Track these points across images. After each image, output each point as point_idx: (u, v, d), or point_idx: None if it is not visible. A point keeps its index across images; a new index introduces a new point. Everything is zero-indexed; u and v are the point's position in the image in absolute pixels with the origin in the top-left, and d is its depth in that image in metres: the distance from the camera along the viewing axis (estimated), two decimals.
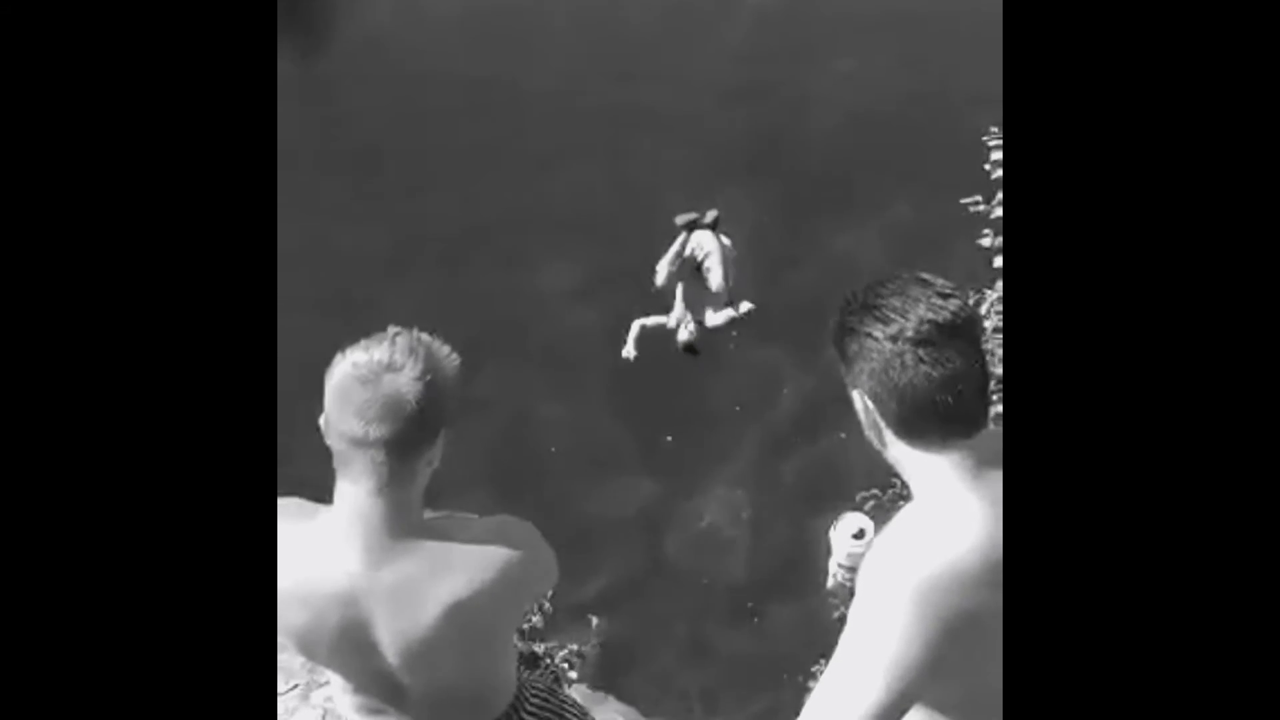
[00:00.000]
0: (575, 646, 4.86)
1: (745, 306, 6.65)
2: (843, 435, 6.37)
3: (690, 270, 6.73)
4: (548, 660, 4.51)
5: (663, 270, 6.65)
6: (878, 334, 1.69)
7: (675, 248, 6.65)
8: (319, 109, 8.16)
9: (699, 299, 6.79)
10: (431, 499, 1.96)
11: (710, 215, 6.73)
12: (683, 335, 6.78)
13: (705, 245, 6.67)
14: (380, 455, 1.78)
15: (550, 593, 4.51)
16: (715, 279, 6.62)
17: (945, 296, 1.69)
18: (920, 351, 1.66)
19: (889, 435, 1.75)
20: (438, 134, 8.35)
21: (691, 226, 6.67)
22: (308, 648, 1.96)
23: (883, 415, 1.73)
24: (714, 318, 6.71)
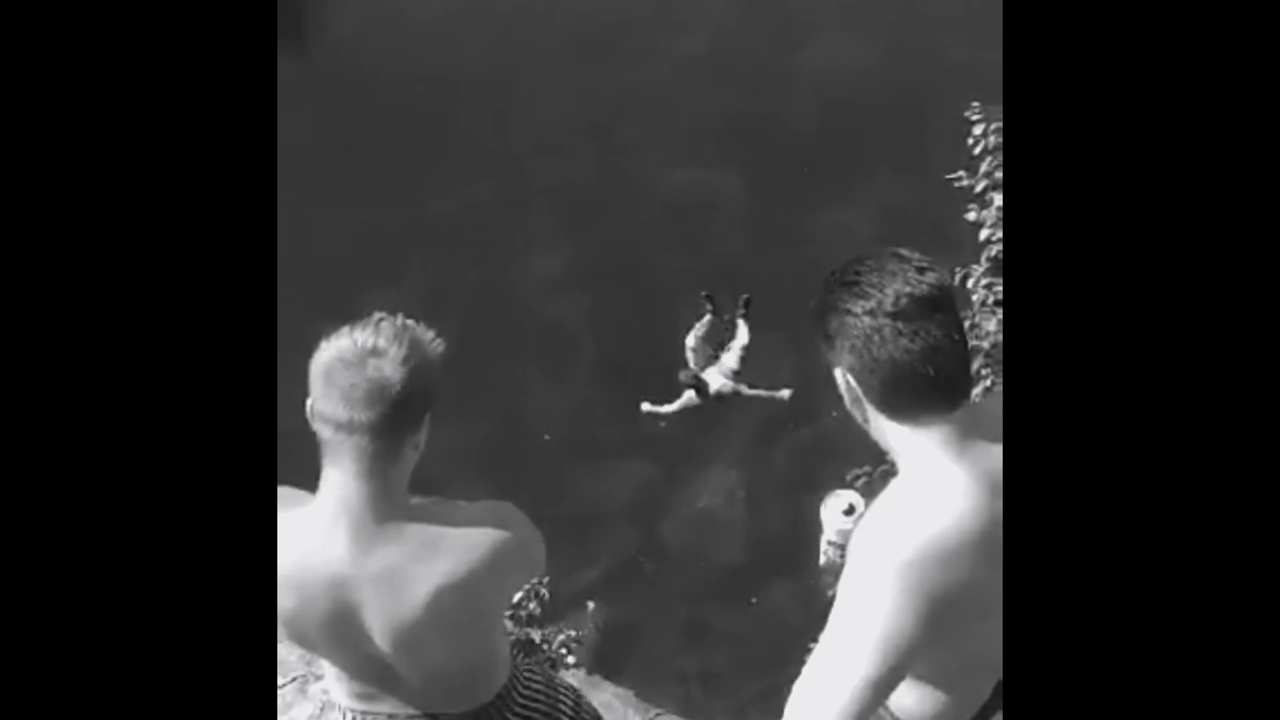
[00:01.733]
0: (573, 632, 4.88)
1: (786, 393, 6.97)
2: (835, 415, 6.36)
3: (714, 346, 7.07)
4: (545, 646, 4.53)
5: (690, 344, 6.96)
6: (856, 309, 1.69)
7: (704, 323, 7.00)
8: (301, 105, 8.13)
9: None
10: (426, 489, 1.97)
11: (742, 299, 7.07)
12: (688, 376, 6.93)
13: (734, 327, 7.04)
14: (365, 440, 1.79)
15: (546, 579, 4.55)
16: (733, 357, 6.94)
17: (922, 270, 1.70)
18: (899, 325, 1.67)
19: (872, 411, 1.76)
20: (421, 125, 8.33)
21: (713, 303, 6.88)
22: (298, 634, 1.97)
23: (865, 391, 1.73)
24: (724, 384, 6.91)
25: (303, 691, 3.62)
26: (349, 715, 2.12)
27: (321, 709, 3.53)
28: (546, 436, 7.12)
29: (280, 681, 3.61)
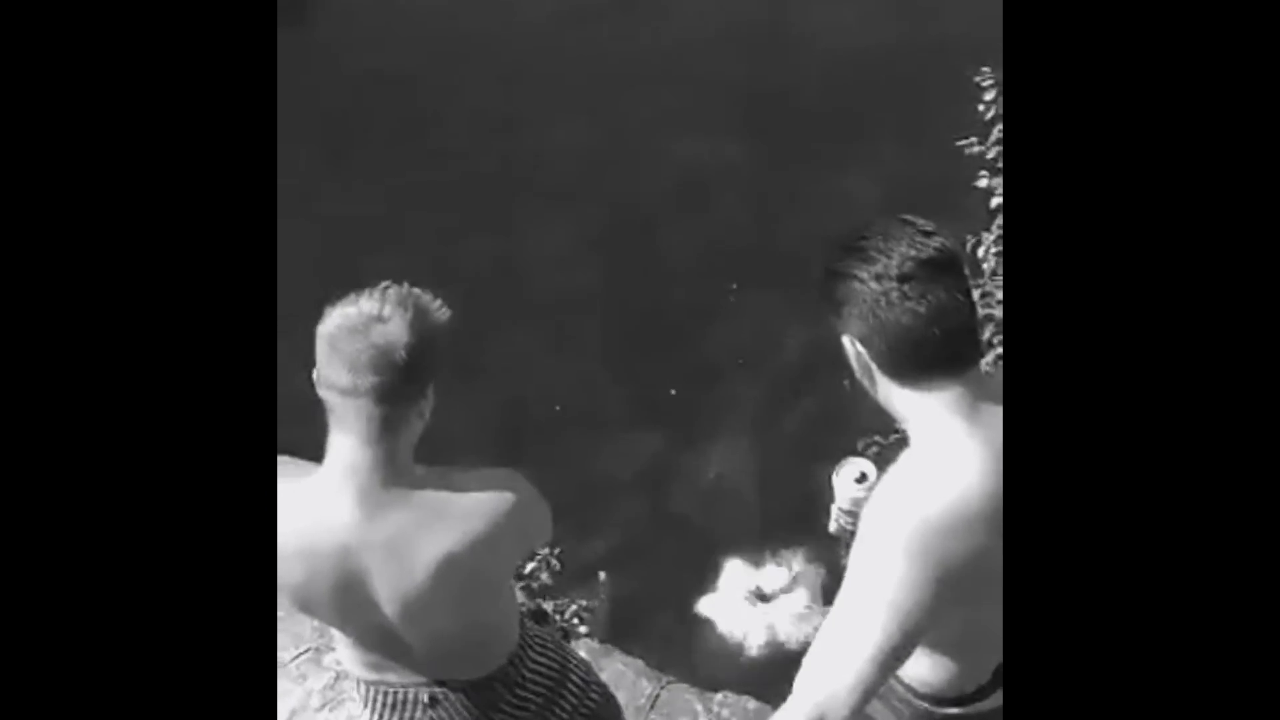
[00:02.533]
0: (584, 602, 4.89)
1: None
2: (846, 382, 6.34)
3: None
4: (557, 617, 4.55)
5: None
6: (862, 274, 1.70)
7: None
8: (299, 75, 8.09)
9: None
10: (435, 460, 1.97)
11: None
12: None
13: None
14: (370, 406, 1.81)
15: (558, 550, 4.55)
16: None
17: (928, 234, 1.71)
18: (905, 288, 1.67)
19: (880, 378, 1.76)
20: (423, 91, 8.29)
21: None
22: (307, 604, 1.98)
23: (873, 357, 1.73)
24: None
25: (317, 663, 3.64)
26: (361, 686, 2.13)
27: (336, 679, 3.55)
28: (558, 408, 7.11)
29: (294, 653, 3.63)
